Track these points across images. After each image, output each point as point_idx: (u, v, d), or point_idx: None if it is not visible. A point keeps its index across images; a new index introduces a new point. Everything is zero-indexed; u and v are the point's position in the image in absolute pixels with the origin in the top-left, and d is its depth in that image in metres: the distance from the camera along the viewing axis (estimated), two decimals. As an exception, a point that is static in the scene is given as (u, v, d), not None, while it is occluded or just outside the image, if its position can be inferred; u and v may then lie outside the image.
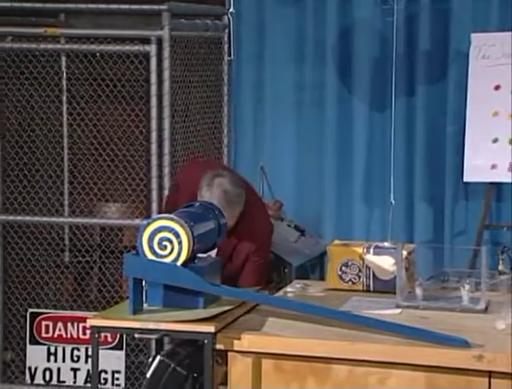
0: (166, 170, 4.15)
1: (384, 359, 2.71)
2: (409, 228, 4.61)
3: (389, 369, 2.72)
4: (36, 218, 4.45)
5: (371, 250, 3.29)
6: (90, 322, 2.94)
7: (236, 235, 3.46)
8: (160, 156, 4.16)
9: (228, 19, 4.55)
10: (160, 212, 3.79)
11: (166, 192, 4.09)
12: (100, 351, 2.98)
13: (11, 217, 4.43)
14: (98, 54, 4.26)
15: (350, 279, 3.29)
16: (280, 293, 3.29)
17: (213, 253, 3.31)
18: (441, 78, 4.56)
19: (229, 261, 3.47)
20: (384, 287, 3.24)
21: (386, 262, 3.27)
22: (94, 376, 3.02)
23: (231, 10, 4.54)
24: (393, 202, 4.48)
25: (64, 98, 4.47)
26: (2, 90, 4.36)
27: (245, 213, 3.45)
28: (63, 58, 4.43)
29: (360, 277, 3.28)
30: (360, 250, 3.30)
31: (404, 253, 3.18)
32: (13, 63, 4.36)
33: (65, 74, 4.43)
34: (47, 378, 4.45)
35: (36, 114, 4.47)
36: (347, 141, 4.74)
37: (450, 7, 4.55)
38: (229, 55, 4.58)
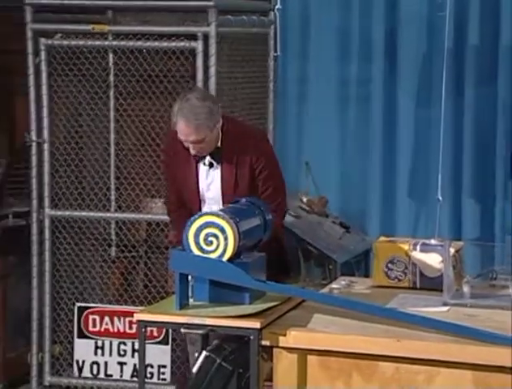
0: (211, 166, 4.16)
1: (431, 357, 2.69)
2: (456, 226, 4.57)
3: (436, 367, 2.70)
4: (84, 213, 4.50)
5: (418, 247, 3.27)
6: (137, 317, 2.96)
7: (231, 158, 3.40)
8: (205, 151, 4.16)
9: (275, 15, 4.55)
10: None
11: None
12: (147, 345, 3.00)
13: (60, 212, 4.49)
14: (145, 51, 4.28)
15: (396, 277, 3.27)
16: (326, 290, 3.27)
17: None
18: (491, 73, 4.51)
19: (236, 186, 3.42)
20: (431, 284, 3.21)
21: (433, 260, 3.24)
22: (141, 370, 3.04)
23: (277, 6, 4.53)
24: (440, 198, 4.44)
25: (111, 94, 4.49)
26: (51, 86, 4.41)
27: (228, 131, 3.40)
28: (110, 55, 4.45)
29: (406, 274, 3.26)
30: (406, 246, 3.28)
31: (452, 250, 3.15)
32: (62, 60, 4.40)
33: (112, 70, 4.45)
34: (94, 371, 4.49)
35: (83, 110, 4.51)
36: (392, 137, 4.72)
37: (500, 1, 4.49)
38: (275, 51, 4.58)
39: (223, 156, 3.41)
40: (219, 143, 3.42)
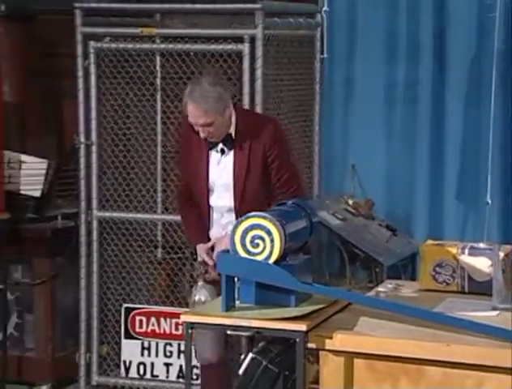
0: (257, 168, 4.16)
1: (480, 362, 2.66)
2: (506, 229, 4.50)
3: (485, 372, 2.66)
4: (131, 215, 4.54)
5: (466, 251, 3.23)
6: (183, 319, 2.98)
7: (244, 144, 3.46)
8: (252, 153, 4.17)
9: (322, 17, 4.54)
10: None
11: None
12: (192, 347, 3.01)
13: (107, 214, 4.54)
14: (192, 53, 4.30)
15: (444, 280, 3.24)
16: (372, 293, 3.26)
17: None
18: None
19: (248, 172, 3.47)
20: (479, 289, 3.17)
21: (481, 264, 3.20)
22: (187, 371, 3.05)
23: (325, 8, 4.52)
24: (489, 202, 4.37)
25: (158, 96, 4.51)
26: (99, 89, 4.47)
27: (242, 119, 3.48)
28: (158, 58, 4.48)
29: (454, 278, 3.23)
30: (454, 250, 3.25)
31: (501, 254, 3.10)
32: (110, 63, 4.45)
33: (159, 73, 4.49)
34: (141, 372, 4.53)
35: (131, 113, 4.56)
36: (440, 138, 4.67)
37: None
38: (322, 53, 4.57)
39: (236, 142, 3.47)
40: (231, 130, 3.47)
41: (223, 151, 3.50)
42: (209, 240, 3.57)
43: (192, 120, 3.42)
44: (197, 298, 3.45)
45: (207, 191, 3.52)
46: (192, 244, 3.73)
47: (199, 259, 3.55)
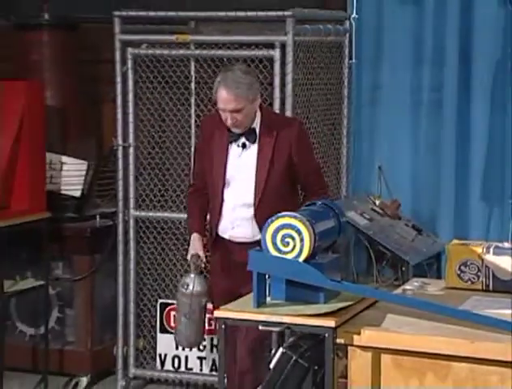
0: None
1: (506, 359, 2.68)
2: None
3: (510, 369, 2.69)
4: (166, 214, 4.66)
5: (491, 250, 3.27)
6: (216, 314, 3.06)
7: (269, 140, 3.49)
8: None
9: (350, 23, 4.63)
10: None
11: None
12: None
13: (143, 213, 4.66)
14: (225, 59, 4.41)
15: (469, 279, 3.28)
16: (399, 291, 3.30)
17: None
18: None
19: (271, 166, 3.50)
20: (504, 287, 3.21)
21: (506, 263, 3.25)
22: (221, 365, 3.13)
23: (353, 15, 4.60)
24: (513, 202, 4.43)
25: (192, 101, 4.57)
26: (136, 94, 4.60)
27: (268, 116, 3.54)
28: (192, 63, 4.54)
29: (479, 277, 3.27)
30: (479, 249, 3.28)
31: (524, 253, 3.17)
32: (147, 68, 4.56)
33: (193, 78, 4.55)
34: (176, 365, 4.65)
35: (166, 116, 4.67)
36: (465, 140, 4.71)
37: None
38: (350, 58, 4.65)
39: (260, 137, 3.48)
40: (254, 125, 3.49)
41: (244, 146, 3.51)
42: (214, 234, 3.62)
43: (221, 105, 3.42)
44: (195, 289, 3.58)
45: (223, 184, 3.54)
46: (190, 230, 3.79)
47: (192, 252, 3.64)
